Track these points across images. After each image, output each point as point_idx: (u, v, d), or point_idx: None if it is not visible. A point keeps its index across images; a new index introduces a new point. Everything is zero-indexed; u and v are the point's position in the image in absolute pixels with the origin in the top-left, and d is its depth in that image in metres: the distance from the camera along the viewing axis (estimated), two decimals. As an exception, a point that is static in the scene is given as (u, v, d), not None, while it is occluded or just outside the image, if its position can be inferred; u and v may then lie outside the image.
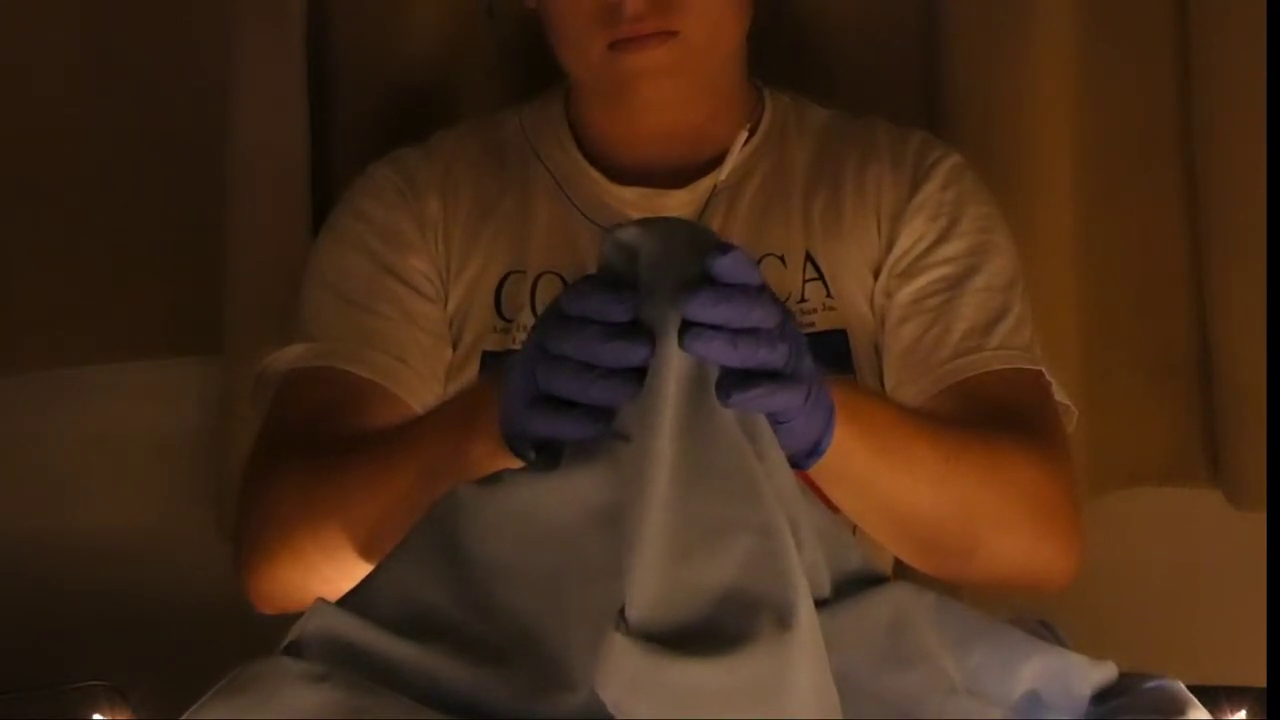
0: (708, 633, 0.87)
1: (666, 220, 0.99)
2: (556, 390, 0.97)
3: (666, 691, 0.85)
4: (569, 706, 0.91)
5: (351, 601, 0.96)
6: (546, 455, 0.99)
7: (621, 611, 0.87)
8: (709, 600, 0.89)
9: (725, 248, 0.95)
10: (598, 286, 0.97)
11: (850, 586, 0.98)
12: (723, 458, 0.93)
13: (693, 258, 0.96)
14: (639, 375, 0.94)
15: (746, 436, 0.95)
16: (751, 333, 0.95)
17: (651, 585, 0.88)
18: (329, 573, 1.20)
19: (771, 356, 0.96)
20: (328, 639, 0.92)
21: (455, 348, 1.41)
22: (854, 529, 1.33)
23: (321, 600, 0.95)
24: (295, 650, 0.93)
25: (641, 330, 0.94)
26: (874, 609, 0.96)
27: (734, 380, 0.95)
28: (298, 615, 0.96)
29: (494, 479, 0.98)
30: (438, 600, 0.95)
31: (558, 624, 0.93)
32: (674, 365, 0.93)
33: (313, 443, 1.28)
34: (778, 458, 0.97)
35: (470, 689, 0.91)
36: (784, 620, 0.88)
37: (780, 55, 1.63)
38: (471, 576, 0.95)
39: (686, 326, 0.93)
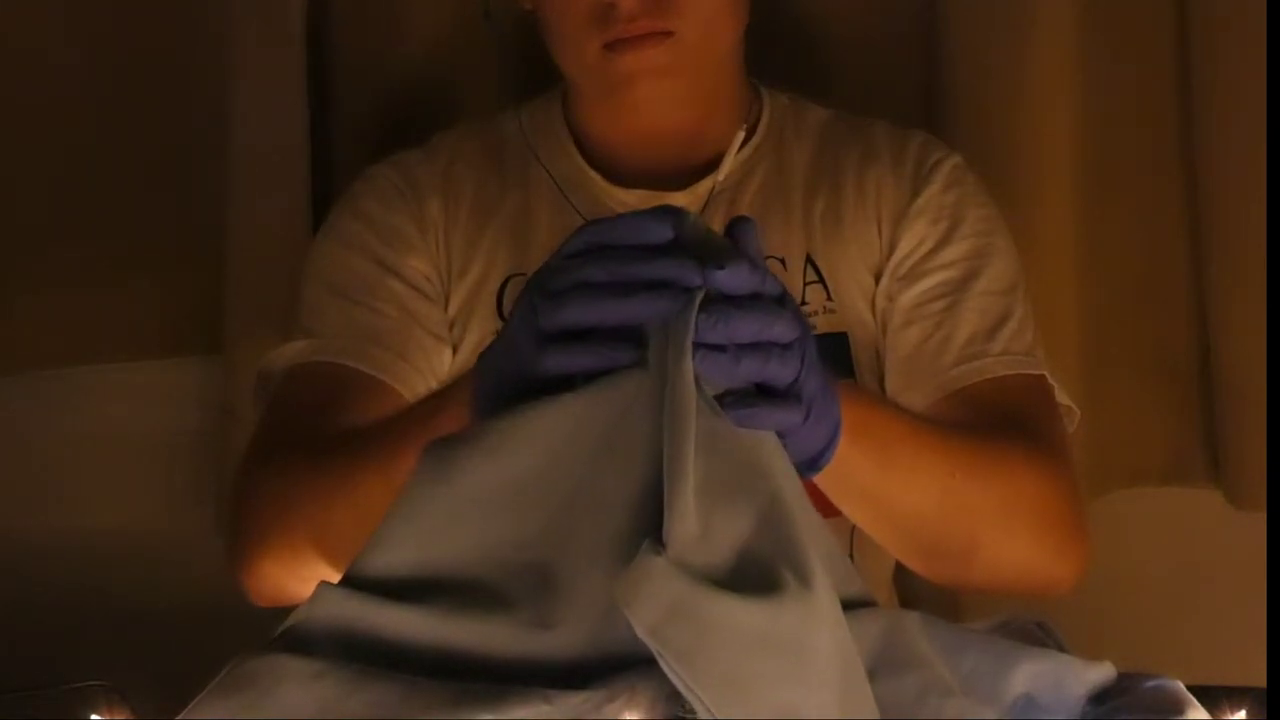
0: (736, 580, 0.86)
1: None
2: (572, 320, 0.92)
3: (705, 624, 0.83)
4: (575, 638, 0.89)
5: (354, 578, 0.93)
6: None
7: (660, 541, 0.85)
8: (734, 551, 0.88)
9: (722, 260, 0.91)
10: (620, 217, 0.94)
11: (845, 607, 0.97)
12: (728, 426, 0.92)
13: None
14: (674, 294, 0.90)
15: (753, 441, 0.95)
16: (761, 348, 0.92)
17: (689, 524, 0.86)
18: (323, 563, 1.19)
19: (782, 371, 0.93)
20: (332, 625, 0.90)
21: (456, 350, 1.41)
22: (853, 529, 1.34)
23: (324, 583, 0.93)
24: (296, 636, 0.91)
25: (687, 254, 0.91)
26: (864, 620, 0.96)
27: (734, 398, 0.92)
28: (293, 608, 0.95)
29: (489, 414, 0.94)
30: (439, 552, 0.92)
31: (566, 553, 0.90)
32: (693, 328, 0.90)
33: (311, 435, 1.27)
34: (784, 467, 0.96)
35: (480, 644, 0.89)
36: (804, 579, 0.87)
37: (780, 55, 1.63)
38: (470, 516, 0.92)
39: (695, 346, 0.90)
